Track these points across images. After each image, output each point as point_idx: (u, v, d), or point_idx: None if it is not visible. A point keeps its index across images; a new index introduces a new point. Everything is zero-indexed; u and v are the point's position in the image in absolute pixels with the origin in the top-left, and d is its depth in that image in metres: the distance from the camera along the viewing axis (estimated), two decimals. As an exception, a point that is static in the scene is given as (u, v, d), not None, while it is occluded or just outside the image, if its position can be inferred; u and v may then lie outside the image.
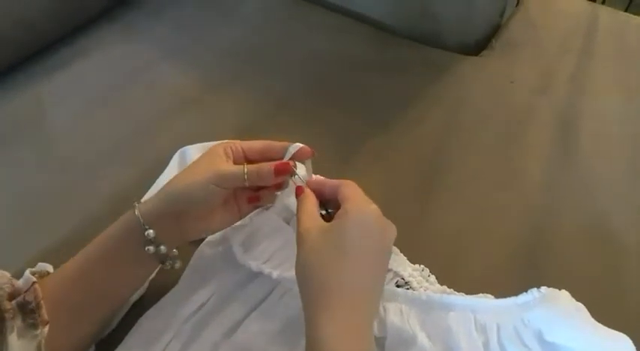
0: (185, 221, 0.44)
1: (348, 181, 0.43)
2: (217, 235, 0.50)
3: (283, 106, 0.68)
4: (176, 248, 0.45)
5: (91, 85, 0.72)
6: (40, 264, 0.47)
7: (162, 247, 0.43)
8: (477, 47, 0.74)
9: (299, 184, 0.45)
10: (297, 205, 0.43)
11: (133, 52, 0.77)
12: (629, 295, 0.47)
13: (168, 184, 0.44)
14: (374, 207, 0.41)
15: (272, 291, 0.46)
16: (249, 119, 0.67)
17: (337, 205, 0.42)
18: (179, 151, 0.58)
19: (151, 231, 0.42)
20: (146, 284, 0.49)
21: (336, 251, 0.38)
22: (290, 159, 0.45)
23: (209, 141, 0.58)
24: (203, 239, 0.51)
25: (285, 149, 0.46)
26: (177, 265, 0.45)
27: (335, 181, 0.44)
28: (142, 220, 0.42)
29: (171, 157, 0.58)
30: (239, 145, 0.46)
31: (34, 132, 0.67)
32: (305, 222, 0.41)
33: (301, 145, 0.46)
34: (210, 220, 0.46)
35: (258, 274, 0.47)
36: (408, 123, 0.64)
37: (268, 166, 0.45)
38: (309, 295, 0.38)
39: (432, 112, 0.65)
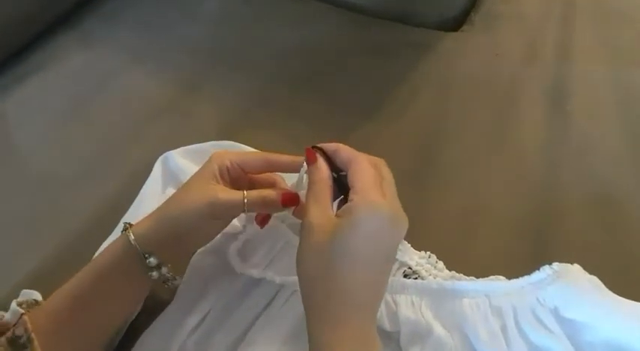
0: (184, 242, 0.42)
1: (359, 159, 0.38)
2: (211, 243, 0.47)
3: (262, 102, 0.65)
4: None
5: (56, 99, 0.68)
6: (24, 291, 0.45)
7: (164, 269, 0.41)
8: (457, 22, 0.72)
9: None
10: (309, 185, 0.38)
11: (97, 60, 0.73)
12: (638, 260, 0.47)
13: (163, 207, 0.42)
14: (385, 203, 0.35)
15: (276, 295, 0.44)
16: (227, 119, 0.64)
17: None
18: (161, 158, 0.55)
19: (153, 259, 0.40)
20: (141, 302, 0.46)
21: (342, 256, 0.34)
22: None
23: (190, 144, 0.56)
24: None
25: (301, 165, 0.42)
26: (178, 281, 0.43)
27: (347, 154, 0.39)
28: (140, 249, 0.40)
29: (152, 165, 0.55)
30: (235, 160, 0.42)
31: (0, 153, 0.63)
32: (313, 212, 0.36)
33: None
34: (208, 237, 0.44)
35: (260, 280, 0.45)
36: (396, 107, 0.62)
37: (275, 195, 0.42)
38: (310, 300, 0.36)
39: (419, 94, 0.63)
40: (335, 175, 0.40)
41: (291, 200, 0.42)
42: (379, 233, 0.35)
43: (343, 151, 0.39)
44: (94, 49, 0.75)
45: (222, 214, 0.42)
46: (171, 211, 0.41)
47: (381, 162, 0.40)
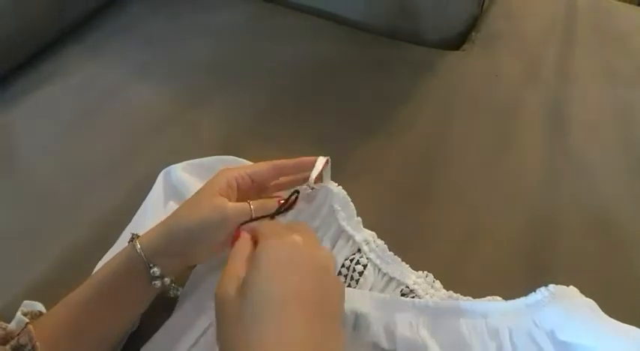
0: (189, 255, 0.43)
1: (263, 222, 0.42)
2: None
3: (265, 117, 0.66)
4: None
5: (61, 111, 0.69)
6: (26, 302, 0.46)
7: (167, 279, 0.42)
8: (458, 41, 0.74)
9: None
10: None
11: (103, 73, 0.74)
12: (636, 283, 0.47)
13: (171, 220, 0.43)
14: (275, 242, 0.36)
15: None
16: (231, 132, 0.64)
17: None
18: (163, 172, 0.56)
19: (157, 269, 0.41)
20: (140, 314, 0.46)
21: (251, 310, 0.32)
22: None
23: (193, 158, 0.56)
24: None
25: (313, 165, 0.46)
26: (180, 292, 0.45)
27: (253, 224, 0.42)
28: (145, 259, 0.41)
29: (155, 178, 0.56)
30: (245, 172, 0.45)
31: (4, 164, 0.63)
32: (222, 284, 0.35)
33: (324, 158, 0.46)
34: (213, 248, 0.44)
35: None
36: (396, 125, 0.62)
37: (273, 202, 0.45)
38: None
39: (419, 112, 0.64)
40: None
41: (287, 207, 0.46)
42: (280, 273, 0.34)
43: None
44: (101, 63, 0.76)
45: (230, 224, 0.42)
46: (180, 223, 0.42)
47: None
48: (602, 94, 0.64)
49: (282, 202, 0.45)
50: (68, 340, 0.40)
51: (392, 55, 0.71)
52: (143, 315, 0.46)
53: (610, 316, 0.41)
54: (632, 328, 0.39)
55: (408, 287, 0.46)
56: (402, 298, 0.45)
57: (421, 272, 0.47)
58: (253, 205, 0.43)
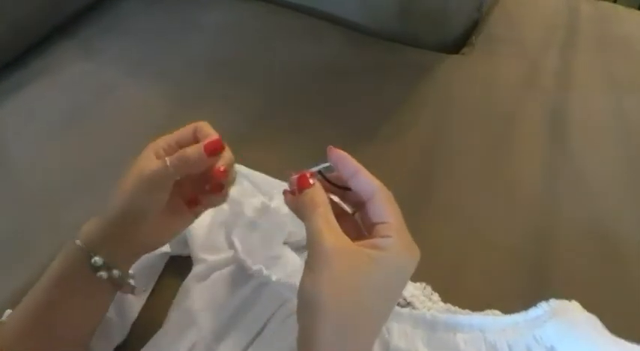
0: (133, 238, 0.40)
1: (386, 190, 0.36)
2: (203, 267, 0.47)
3: (261, 119, 0.64)
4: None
5: (51, 110, 0.67)
6: (8, 311, 0.44)
7: (116, 271, 0.39)
8: (457, 45, 0.73)
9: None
10: (306, 209, 0.35)
11: (95, 70, 0.72)
12: (637, 296, 0.46)
13: (108, 203, 0.40)
14: (416, 247, 0.35)
15: (265, 326, 0.43)
16: (227, 133, 0.62)
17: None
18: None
19: (98, 258, 0.38)
20: (128, 327, 0.45)
21: (372, 291, 0.32)
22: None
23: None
24: (187, 272, 0.47)
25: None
26: (137, 290, 0.41)
27: (369, 180, 0.37)
28: (85, 248, 0.38)
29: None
30: (172, 140, 0.41)
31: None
32: (329, 239, 0.33)
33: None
34: (161, 231, 0.42)
35: (251, 307, 0.44)
36: (394, 128, 0.61)
37: (195, 149, 0.39)
38: (318, 331, 0.32)
39: (418, 116, 0.62)
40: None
41: (214, 148, 0.41)
42: (407, 276, 0.35)
43: (364, 174, 0.37)
44: (93, 59, 0.74)
45: (154, 185, 0.39)
46: (111, 205, 0.39)
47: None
48: (602, 101, 0.63)
49: (208, 143, 0.40)
50: (27, 344, 0.38)
51: (391, 57, 0.70)
52: (133, 327, 0.45)
53: (611, 331, 0.40)
54: (635, 347, 0.39)
55: (405, 299, 0.45)
56: (400, 308, 0.44)
57: (419, 283, 0.46)
58: (170, 159, 0.39)
